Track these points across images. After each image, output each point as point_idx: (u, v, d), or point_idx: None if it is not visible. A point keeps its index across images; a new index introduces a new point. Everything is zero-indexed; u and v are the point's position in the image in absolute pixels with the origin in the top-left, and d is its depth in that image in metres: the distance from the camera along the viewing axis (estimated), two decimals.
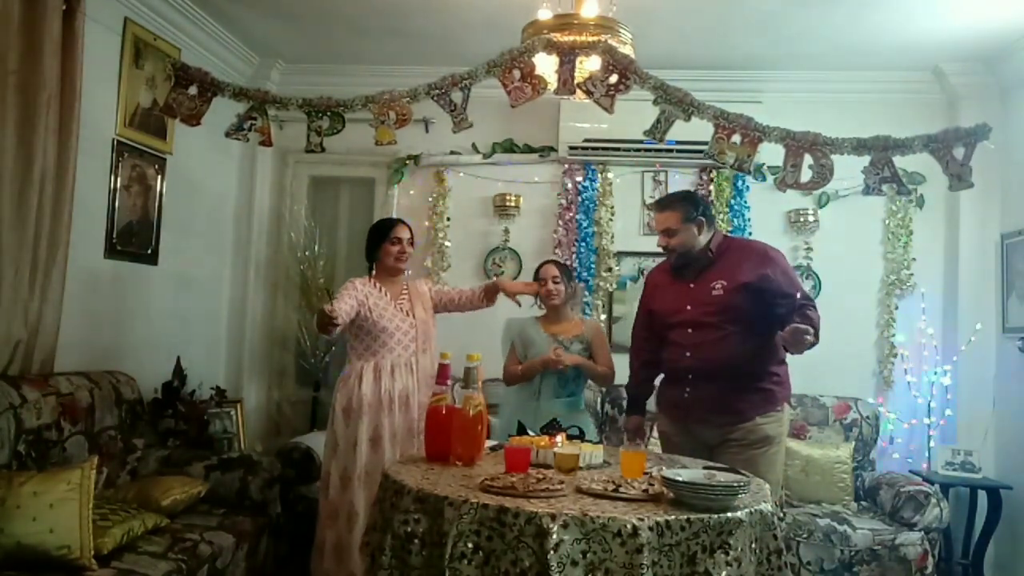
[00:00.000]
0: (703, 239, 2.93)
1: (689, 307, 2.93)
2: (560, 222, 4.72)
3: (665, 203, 3.02)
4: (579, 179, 4.72)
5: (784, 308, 2.76)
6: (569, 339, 3.45)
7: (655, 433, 4.17)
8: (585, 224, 4.70)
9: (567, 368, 3.33)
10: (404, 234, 3.37)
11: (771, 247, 3.01)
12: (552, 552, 1.73)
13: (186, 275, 4.40)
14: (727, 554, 1.82)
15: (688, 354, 2.91)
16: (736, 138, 2.59)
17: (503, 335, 3.57)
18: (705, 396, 2.87)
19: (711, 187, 4.64)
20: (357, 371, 3.22)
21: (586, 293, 4.63)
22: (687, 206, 2.92)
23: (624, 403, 4.32)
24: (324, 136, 2.85)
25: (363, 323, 3.24)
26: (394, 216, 4.88)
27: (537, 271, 3.58)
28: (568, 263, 4.44)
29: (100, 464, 2.81)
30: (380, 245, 3.34)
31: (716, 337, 2.84)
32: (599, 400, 4.28)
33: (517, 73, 2.69)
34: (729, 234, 3.04)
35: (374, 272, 3.39)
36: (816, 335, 2.64)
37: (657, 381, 3.19)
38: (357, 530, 3.05)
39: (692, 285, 2.96)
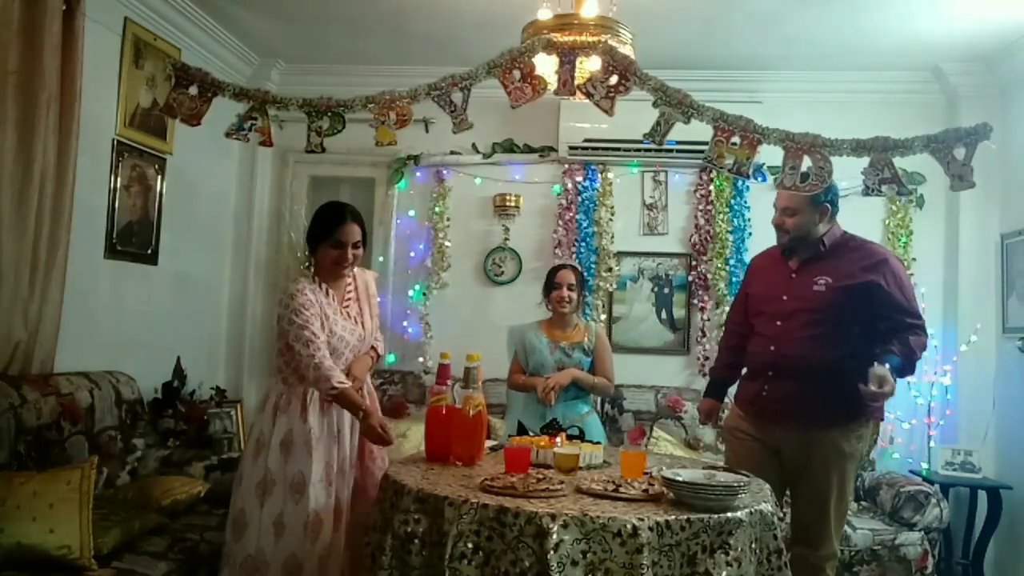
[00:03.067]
0: (822, 228, 2.78)
1: (785, 297, 2.78)
2: (560, 222, 4.72)
3: None
4: (579, 179, 4.73)
5: (886, 325, 2.63)
6: (571, 346, 3.44)
7: (655, 433, 4.21)
8: (585, 224, 4.71)
9: (561, 390, 3.32)
10: (351, 236, 2.68)
11: (892, 253, 2.83)
12: (552, 552, 1.73)
13: (186, 275, 4.40)
14: (727, 554, 1.82)
15: (772, 348, 2.76)
16: (735, 140, 2.58)
17: (507, 342, 3.56)
18: (783, 396, 2.71)
19: (711, 187, 4.65)
20: (299, 397, 2.61)
21: (586, 293, 4.63)
22: None
23: (623, 403, 4.36)
24: (324, 136, 2.85)
25: None
26: (394, 216, 4.90)
27: (553, 274, 3.52)
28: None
29: (100, 464, 2.80)
30: (319, 243, 2.70)
31: (806, 335, 2.68)
32: (599, 401, 4.28)
33: (517, 74, 2.69)
34: (847, 232, 2.88)
35: (313, 270, 2.75)
36: (911, 365, 2.57)
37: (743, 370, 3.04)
38: None
39: (794, 275, 2.80)
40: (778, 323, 2.77)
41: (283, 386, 2.65)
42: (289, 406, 2.61)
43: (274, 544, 2.52)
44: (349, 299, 2.79)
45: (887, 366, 2.48)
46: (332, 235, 2.67)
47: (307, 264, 2.78)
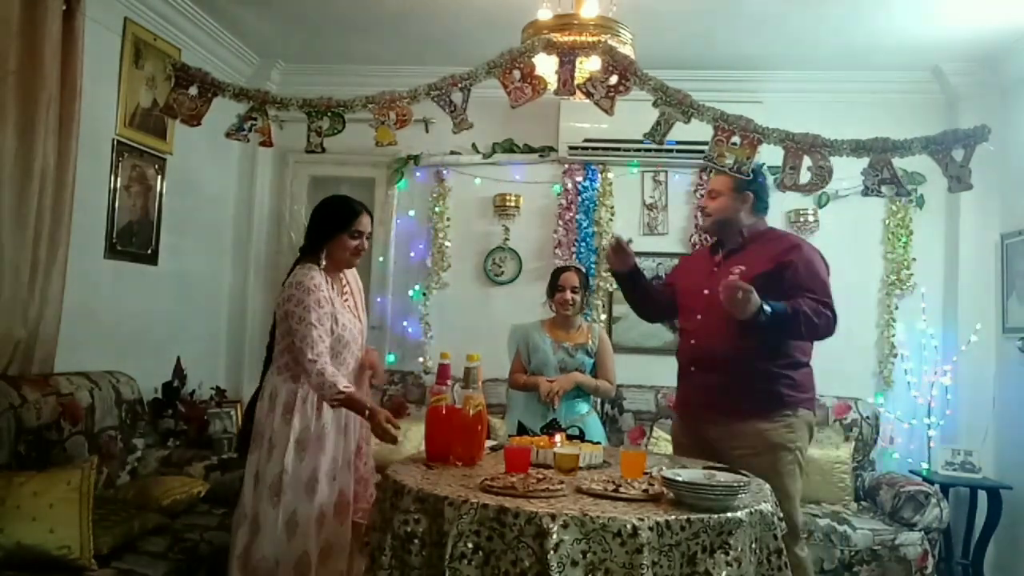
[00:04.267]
0: (744, 216, 2.80)
1: (706, 291, 2.77)
2: (560, 222, 4.72)
3: None
4: (579, 179, 4.73)
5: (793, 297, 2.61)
6: (574, 347, 3.44)
7: (655, 433, 4.21)
8: (585, 224, 4.71)
9: (563, 393, 3.32)
10: (368, 227, 2.80)
11: (808, 244, 2.84)
12: (552, 552, 1.73)
13: (186, 275, 4.40)
14: (727, 554, 1.82)
15: (692, 342, 2.82)
16: (735, 140, 2.58)
17: (508, 340, 3.56)
18: (703, 390, 2.76)
19: None
20: (314, 393, 2.62)
21: (588, 294, 4.63)
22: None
23: (623, 403, 4.36)
24: (324, 136, 2.85)
25: None
26: (394, 216, 4.91)
27: (556, 276, 3.52)
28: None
29: (100, 464, 2.80)
30: (337, 234, 2.73)
31: (722, 327, 2.66)
32: (599, 401, 4.28)
33: (517, 73, 2.69)
34: (774, 228, 2.91)
35: (323, 264, 2.73)
36: (796, 322, 2.54)
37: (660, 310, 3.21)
38: None
39: (716, 268, 2.81)
40: (698, 317, 2.81)
41: (293, 384, 2.64)
42: (304, 404, 2.62)
43: (287, 543, 2.54)
44: (347, 293, 2.82)
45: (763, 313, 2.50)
46: (350, 225, 2.72)
47: (304, 257, 2.76)
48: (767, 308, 2.50)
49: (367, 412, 2.57)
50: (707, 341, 2.77)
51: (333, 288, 2.73)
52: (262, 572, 2.54)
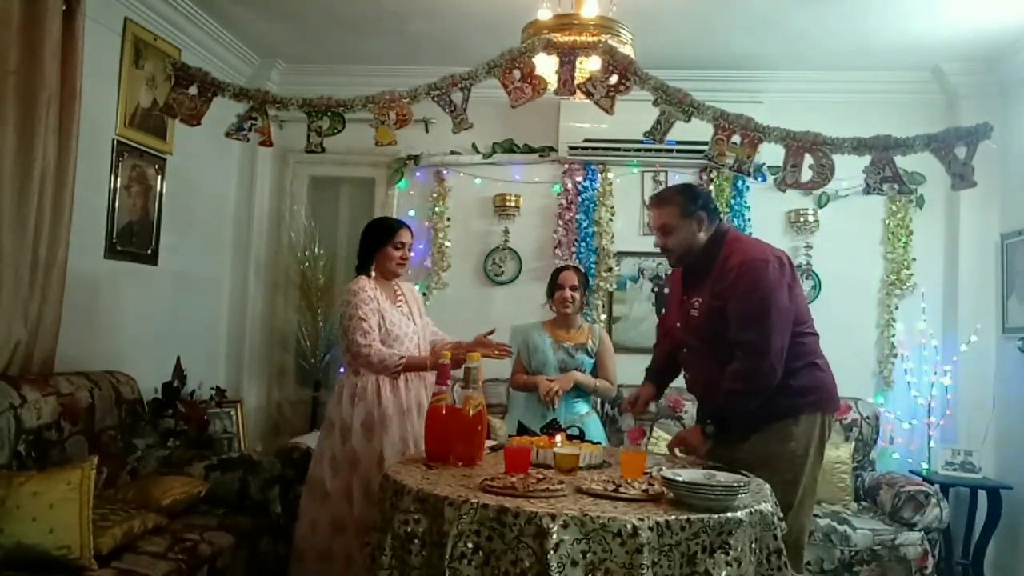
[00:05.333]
0: (702, 237, 2.63)
1: (679, 324, 2.76)
2: (560, 222, 4.72)
3: (661, 197, 2.75)
4: (579, 179, 4.73)
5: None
6: (574, 347, 3.44)
7: (655, 433, 4.21)
8: (585, 224, 4.71)
9: (562, 392, 3.31)
10: (408, 239, 3.22)
11: (750, 261, 2.53)
12: (552, 552, 1.73)
13: (186, 275, 4.40)
14: (727, 554, 1.82)
15: (687, 375, 2.80)
16: (736, 139, 2.58)
17: (509, 342, 3.55)
18: (705, 417, 2.71)
19: (711, 187, 4.65)
20: (373, 383, 3.06)
21: (588, 294, 4.63)
22: (685, 199, 2.62)
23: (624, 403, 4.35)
24: (324, 136, 2.85)
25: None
26: (395, 216, 4.90)
27: (556, 275, 3.52)
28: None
29: (100, 464, 2.80)
30: (381, 247, 3.18)
31: (699, 360, 2.67)
32: (599, 401, 4.27)
33: (517, 73, 2.69)
34: (735, 231, 2.76)
35: (373, 274, 3.20)
36: (736, 409, 2.50)
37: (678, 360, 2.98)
38: None
39: (684, 298, 2.71)
40: (684, 350, 2.79)
41: (356, 377, 3.09)
42: (366, 393, 3.05)
43: (363, 509, 2.92)
44: (400, 300, 3.24)
45: (708, 427, 2.57)
46: (393, 238, 3.17)
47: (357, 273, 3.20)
48: (708, 424, 2.57)
49: (428, 363, 3.01)
50: (695, 375, 2.75)
51: (383, 294, 3.14)
52: (334, 527, 2.98)
